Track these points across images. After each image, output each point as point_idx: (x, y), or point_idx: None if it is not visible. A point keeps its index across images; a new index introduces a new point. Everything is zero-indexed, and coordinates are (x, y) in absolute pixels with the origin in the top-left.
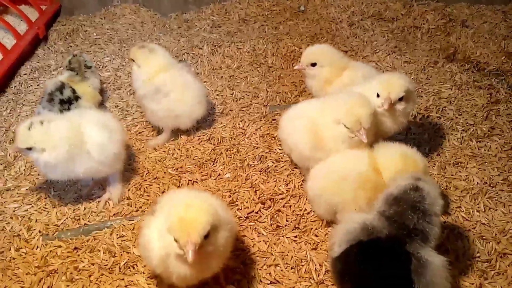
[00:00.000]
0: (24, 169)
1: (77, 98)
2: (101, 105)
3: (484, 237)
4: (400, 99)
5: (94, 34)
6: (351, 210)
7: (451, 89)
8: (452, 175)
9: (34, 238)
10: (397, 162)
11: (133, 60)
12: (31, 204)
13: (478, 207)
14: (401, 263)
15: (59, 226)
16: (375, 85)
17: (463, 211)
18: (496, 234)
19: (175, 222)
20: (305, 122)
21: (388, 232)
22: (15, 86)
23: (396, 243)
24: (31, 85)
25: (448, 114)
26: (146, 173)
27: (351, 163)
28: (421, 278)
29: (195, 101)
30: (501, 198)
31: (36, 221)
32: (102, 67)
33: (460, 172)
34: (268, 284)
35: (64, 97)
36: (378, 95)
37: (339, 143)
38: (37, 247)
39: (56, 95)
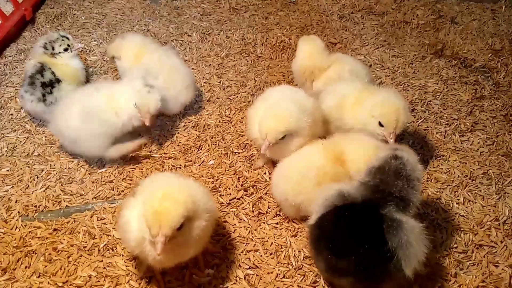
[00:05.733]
0: (6, 150)
1: (58, 80)
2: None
3: (462, 229)
4: None
5: (83, 18)
6: None
7: (437, 83)
8: (433, 167)
9: (13, 218)
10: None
11: (113, 58)
12: (11, 185)
13: (458, 199)
14: (374, 224)
15: (39, 207)
16: (372, 108)
17: (442, 203)
18: (473, 226)
19: (148, 211)
20: None
21: (363, 197)
22: None
23: (370, 206)
24: (17, 67)
25: (433, 108)
26: (130, 157)
27: (308, 160)
28: (395, 237)
29: (183, 85)
30: (480, 191)
31: (16, 201)
32: (89, 51)
33: (441, 165)
34: (247, 269)
35: (45, 79)
36: (380, 124)
37: None
38: (16, 227)
39: (37, 78)
